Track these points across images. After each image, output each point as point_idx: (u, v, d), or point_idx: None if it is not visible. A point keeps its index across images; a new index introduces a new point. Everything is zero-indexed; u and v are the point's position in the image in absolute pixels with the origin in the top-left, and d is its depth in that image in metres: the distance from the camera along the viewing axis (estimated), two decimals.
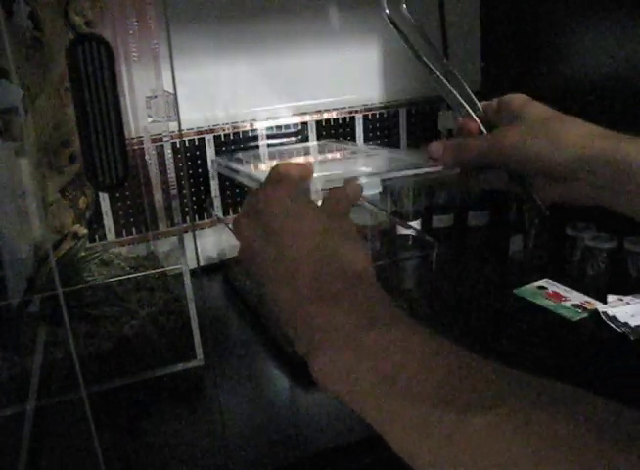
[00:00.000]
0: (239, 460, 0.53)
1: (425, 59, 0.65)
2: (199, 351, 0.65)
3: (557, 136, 0.51)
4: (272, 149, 0.93)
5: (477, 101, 0.61)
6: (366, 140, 1.00)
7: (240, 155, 0.87)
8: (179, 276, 0.63)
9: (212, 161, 0.90)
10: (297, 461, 0.53)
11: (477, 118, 0.60)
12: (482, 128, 0.59)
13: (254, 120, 0.93)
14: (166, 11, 0.52)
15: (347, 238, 0.40)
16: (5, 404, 0.59)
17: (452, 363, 0.31)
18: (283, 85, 0.94)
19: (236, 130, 0.92)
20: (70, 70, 0.49)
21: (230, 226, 0.77)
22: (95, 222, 0.85)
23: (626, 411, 0.25)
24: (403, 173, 0.58)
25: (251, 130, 0.93)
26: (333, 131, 0.98)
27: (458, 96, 0.62)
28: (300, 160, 0.83)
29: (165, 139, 0.59)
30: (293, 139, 0.95)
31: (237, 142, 0.92)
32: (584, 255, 0.79)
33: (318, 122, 0.97)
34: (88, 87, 0.49)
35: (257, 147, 0.93)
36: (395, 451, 0.30)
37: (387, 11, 0.64)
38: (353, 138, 1.00)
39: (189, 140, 0.89)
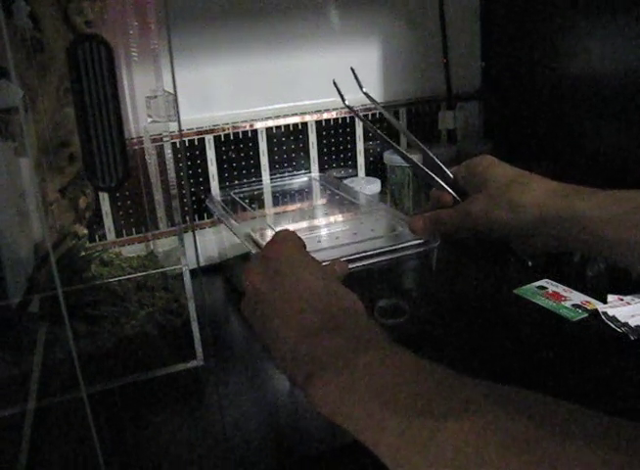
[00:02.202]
0: (239, 460, 0.53)
1: (388, 139, 0.70)
2: (198, 351, 0.65)
3: (516, 201, 0.57)
4: (274, 188, 0.94)
5: (445, 168, 0.66)
6: (366, 140, 1.00)
7: (236, 196, 0.89)
8: (179, 276, 0.63)
9: (207, 198, 0.91)
10: (297, 462, 0.53)
11: (448, 188, 0.64)
12: (455, 196, 0.64)
13: (254, 120, 0.93)
14: (166, 11, 0.52)
15: (341, 284, 0.48)
16: (5, 404, 0.59)
17: (431, 378, 0.35)
18: (283, 85, 0.94)
19: (236, 130, 0.92)
20: (70, 71, 0.49)
21: (232, 229, 0.77)
22: (95, 222, 0.85)
23: (581, 410, 0.30)
24: (379, 258, 0.66)
25: (252, 130, 0.93)
26: (333, 131, 0.98)
27: (428, 171, 0.66)
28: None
29: (165, 139, 0.59)
30: (293, 172, 0.96)
31: (237, 142, 0.92)
32: (584, 255, 0.79)
33: (318, 122, 0.97)
34: (88, 87, 0.49)
35: (257, 149, 0.93)
36: (385, 464, 0.33)
37: (346, 102, 0.70)
38: (353, 138, 1.00)
39: (189, 140, 0.89)
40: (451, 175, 0.65)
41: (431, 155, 0.67)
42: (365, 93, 0.71)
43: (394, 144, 0.69)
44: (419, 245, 0.67)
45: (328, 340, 0.40)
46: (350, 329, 0.42)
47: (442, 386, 0.34)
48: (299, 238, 0.52)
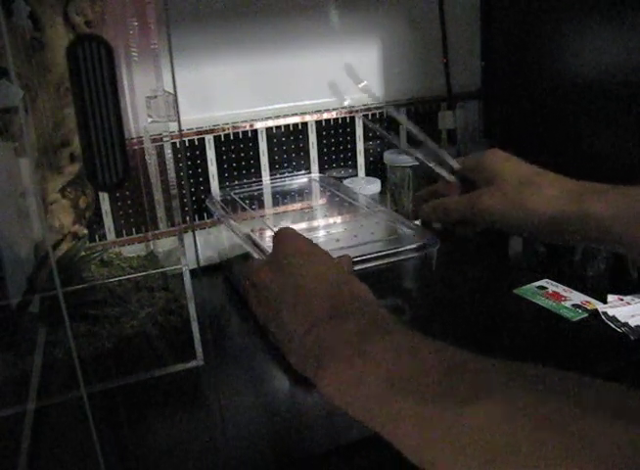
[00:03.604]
0: (239, 461, 0.53)
1: (387, 135, 0.69)
2: (198, 351, 0.65)
3: (529, 204, 0.57)
4: (274, 188, 0.94)
5: (451, 159, 0.65)
6: (366, 140, 1.00)
7: (236, 196, 0.89)
8: (179, 276, 0.63)
9: (208, 197, 0.91)
10: (297, 461, 0.53)
11: (453, 178, 0.64)
12: (459, 185, 0.63)
13: (254, 120, 0.93)
14: (166, 11, 0.52)
15: (350, 274, 0.48)
16: (5, 404, 0.59)
17: (448, 361, 0.33)
18: (283, 85, 0.94)
19: (236, 130, 0.92)
20: (70, 70, 0.49)
21: (232, 229, 0.77)
22: (95, 222, 0.85)
23: (608, 386, 0.29)
24: (378, 262, 0.66)
25: (252, 130, 0.93)
26: (333, 131, 0.98)
27: (430, 164, 0.65)
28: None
29: (165, 139, 0.59)
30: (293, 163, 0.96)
31: (237, 142, 0.92)
32: (584, 255, 0.79)
33: (318, 122, 0.97)
34: (88, 87, 0.49)
35: (257, 149, 0.93)
36: (403, 453, 0.32)
37: (346, 102, 0.73)
38: (353, 138, 1.00)
39: (189, 140, 0.89)
40: (457, 166, 0.64)
41: (433, 144, 0.65)
42: (363, 88, 0.69)
43: (395, 140, 0.68)
44: (419, 248, 0.67)
45: (337, 327, 0.39)
46: (360, 316, 0.40)
47: (462, 369, 0.33)
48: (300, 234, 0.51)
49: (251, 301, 0.49)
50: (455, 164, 0.65)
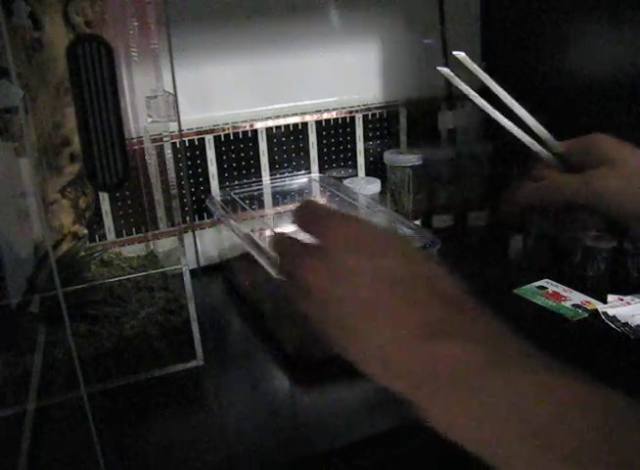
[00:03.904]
0: (239, 461, 0.53)
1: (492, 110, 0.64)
2: (198, 351, 0.65)
3: None
4: (274, 188, 0.94)
5: (554, 140, 0.61)
6: (366, 140, 1.00)
7: (236, 196, 0.89)
8: (179, 276, 0.63)
9: (208, 197, 0.90)
10: (297, 461, 0.53)
11: (550, 157, 0.60)
12: (558, 165, 0.59)
13: (254, 120, 0.93)
14: (166, 11, 0.52)
15: (431, 262, 0.38)
16: (5, 404, 0.59)
17: (603, 418, 0.29)
18: (283, 85, 0.94)
19: (236, 130, 0.92)
20: (70, 70, 0.49)
21: (232, 229, 0.77)
22: (95, 222, 0.85)
23: None
24: None
25: (252, 130, 0.93)
26: (333, 131, 0.98)
27: (532, 145, 0.61)
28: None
29: (165, 139, 0.59)
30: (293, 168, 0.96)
31: (237, 142, 0.92)
32: (584, 255, 0.79)
33: (318, 122, 0.97)
34: (88, 87, 0.49)
35: (257, 149, 0.93)
36: None
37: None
38: (353, 138, 1.00)
39: (189, 140, 0.89)
40: (560, 148, 0.61)
41: (538, 124, 0.63)
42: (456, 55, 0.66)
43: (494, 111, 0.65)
44: (419, 248, 0.67)
45: (437, 348, 0.33)
46: (468, 335, 0.33)
47: (620, 431, 0.28)
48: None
49: (297, 298, 0.39)
50: (558, 146, 0.61)
